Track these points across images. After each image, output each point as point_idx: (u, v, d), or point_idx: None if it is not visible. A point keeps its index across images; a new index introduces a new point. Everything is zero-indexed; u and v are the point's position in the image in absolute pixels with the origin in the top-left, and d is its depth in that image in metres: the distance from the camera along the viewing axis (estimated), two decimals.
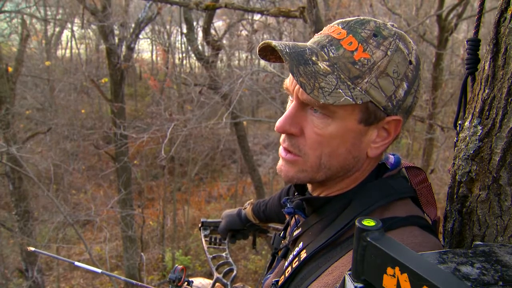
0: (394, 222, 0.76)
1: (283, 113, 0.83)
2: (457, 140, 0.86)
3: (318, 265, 0.79)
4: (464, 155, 0.82)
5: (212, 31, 8.99)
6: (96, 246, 10.94)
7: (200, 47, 9.27)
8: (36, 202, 10.13)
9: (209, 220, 1.65)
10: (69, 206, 9.77)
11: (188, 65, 18.31)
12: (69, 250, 11.25)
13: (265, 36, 10.26)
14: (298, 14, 4.43)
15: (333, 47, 0.77)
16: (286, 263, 0.90)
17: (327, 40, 0.79)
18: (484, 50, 0.81)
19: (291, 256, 0.88)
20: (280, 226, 1.55)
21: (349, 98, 0.73)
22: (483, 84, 0.78)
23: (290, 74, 0.79)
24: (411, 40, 0.80)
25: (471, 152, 0.79)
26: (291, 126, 0.80)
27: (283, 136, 0.84)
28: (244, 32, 10.70)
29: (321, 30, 0.85)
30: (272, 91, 9.09)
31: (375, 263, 0.49)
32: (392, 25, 0.80)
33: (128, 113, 13.10)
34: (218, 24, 12.91)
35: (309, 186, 0.94)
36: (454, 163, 0.87)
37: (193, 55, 10.54)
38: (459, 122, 0.87)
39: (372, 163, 0.86)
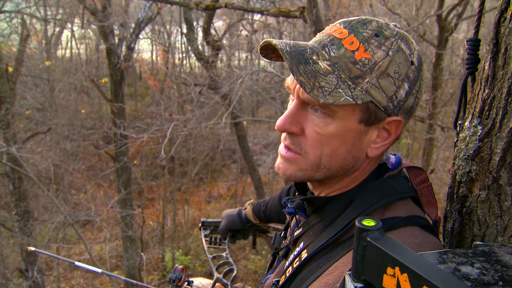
0: (395, 222, 0.76)
1: (283, 113, 0.83)
2: (457, 140, 0.86)
3: (318, 265, 0.79)
4: (464, 155, 0.82)
5: (212, 31, 8.99)
6: (96, 246, 10.94)
7: (200, 47, 9.26)
8: (36, 202, 10.13)
9: (209, 220, 1.65)
10: (69, 206, 9.77)
11: (188, 65, 18.33)
12: (69, 250, 11.25)
13: (265, 36, 10.26)
14: (298, 14, 4.43)
15: (334, 46, 0.77)
16: (287, 263, 0.90)
17: (328, 39, 0.79)
18: (484, 50, 0.81)
19: (292, 256, 0.88)
20: (280, 226, 1.56)
21: (349, 98, 0.73)
22: (483, 84, 0.78)
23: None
24: (413, 41, 0.80)
25: (471, 152, 0.79)
26: (291, 125, 0.80)
27: (284, 133, 0.84)
28: (244, 32, 10.70)
29: (321, 30, 0.85)
30: (272, 91, 9.10)
31: (375, 263, 0.49)
32: (395, 25, 0.80)
33: (128, 113, 13.10)
34: (218, 24, 12.93)
35: (310, 186, 0.94)
36: (454, 163, 0.87)
37: (193, 55, 10.54)
38: (459, 122, 0.87)
39: (372, 163, 0.85)
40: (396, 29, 0.79)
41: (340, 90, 0.73)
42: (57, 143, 12.27)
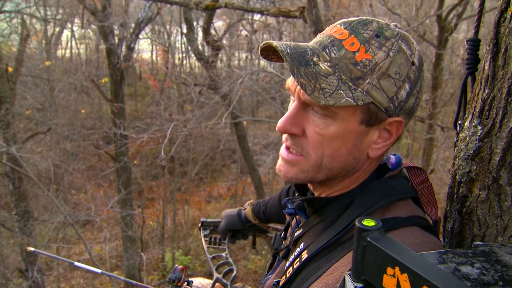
0: (395, 222, 0.76)
1: (283, 113, 0.83)
2: (457, 140, 0.86)
3: (319, 266, 0.79)
4: (464, 155, 0.82)
5: (212, 31, 8.99)
6: (96, 246, 10.94)
7: (200, 47, 9.27)
8: (36, 202, 10.13)
9: (209, 220, 1.65)
10: (69, 206, 9.77)
11: (188, 65, 18.33)
12: (69, 250, 11.25)
13: (265, 36, 10.27)
14: (298, 14, 4.43)
15: (335, 47, 0.77)
16: (287, 264, 0.90)
17: (329, 40, 0.79)
18: (484, 50, 0.81)
19: (292, 257, 0.88)
20: (280, 227, 1.56)
21: (350, 99, 0.72)
22: (483, 84, 0.78)
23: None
24: (414, 41, 0.80)
25: (471, 152, 0.79)
26: (292, 126, 0.80)
27: (285, 135, 0.84)
28: (244, 32, 10.69)
29: (321, 30, 0.85)
30: (272, 91, 9.10)
31: (375, 263, 0.49)
32: (395, 26, 0.80)
33: (128, 113, 13.10)
34: (218, 24, 12.93)
35: (310, 186, 0.94)
36: (454, 163, 0.87)
37: (193, 55, 10.54)
38: (459, 122, 0.87)
39: (373, 164, 0.85)
40: (397, 29, 0.79)
41: (341, 91, 0.73)
42: (57, 143, 12.27)
